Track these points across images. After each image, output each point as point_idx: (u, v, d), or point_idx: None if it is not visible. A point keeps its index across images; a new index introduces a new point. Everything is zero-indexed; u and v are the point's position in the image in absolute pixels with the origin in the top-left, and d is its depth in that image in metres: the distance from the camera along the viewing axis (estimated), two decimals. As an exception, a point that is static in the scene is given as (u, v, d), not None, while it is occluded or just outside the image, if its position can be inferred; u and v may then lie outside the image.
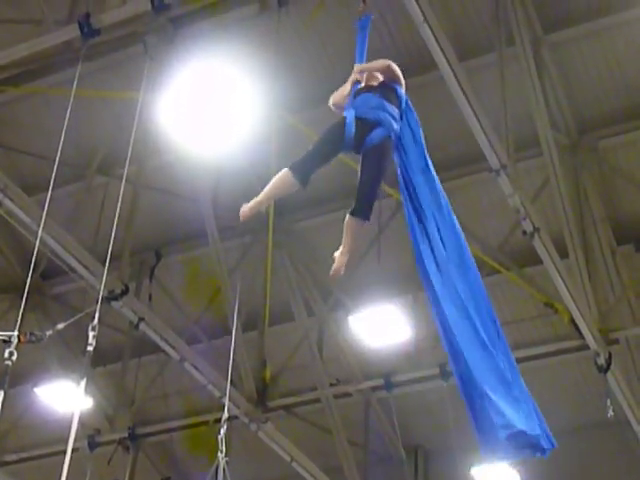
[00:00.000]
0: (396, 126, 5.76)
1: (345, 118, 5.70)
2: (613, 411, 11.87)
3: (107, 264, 8.03)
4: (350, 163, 6.99)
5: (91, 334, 6.14)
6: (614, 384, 12.05)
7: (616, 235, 12.98)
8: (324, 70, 12.32)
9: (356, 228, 5.61)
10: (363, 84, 6.08)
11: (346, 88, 6.19)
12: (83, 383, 6.43)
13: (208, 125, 10.58)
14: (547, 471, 15.10)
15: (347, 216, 5.62)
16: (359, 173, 5.67)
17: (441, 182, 5.88)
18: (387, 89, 5.94)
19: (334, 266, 5.65)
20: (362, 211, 5.57)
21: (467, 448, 14.85)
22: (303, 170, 5.57)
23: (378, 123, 5.68)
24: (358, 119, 5.68)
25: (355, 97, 5.93)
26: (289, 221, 13.76)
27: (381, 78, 6.02)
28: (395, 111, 5.81)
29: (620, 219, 13.28)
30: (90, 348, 6.16)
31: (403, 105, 5.94)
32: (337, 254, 5.66)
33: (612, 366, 11.82)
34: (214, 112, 10.26)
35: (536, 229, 10.59)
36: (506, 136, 10.33)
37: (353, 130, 5.64)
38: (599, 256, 12.53)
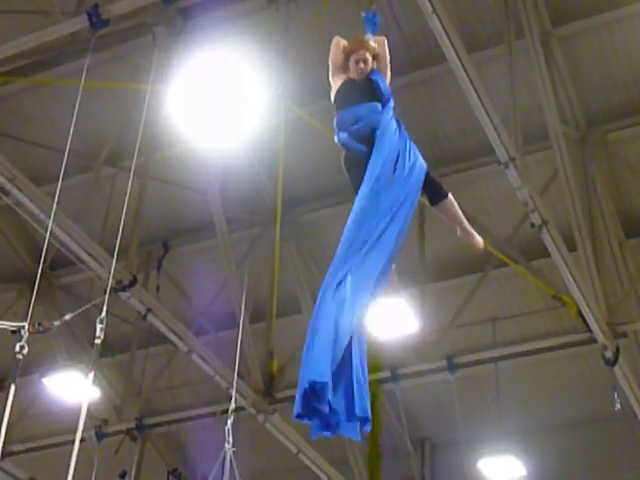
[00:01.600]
0: (381, 116, 5.52)
1: (343, 149, 5.51)
2: (620, 404, 11.88)
3: (115, 255, 8.05)
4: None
5: (99, 327, 6.15)
6: (621, 377, 12.04)
7: (624, 228, 12.96)
8: (332, 62, 12.28)
9: (447, 210, 5.55)
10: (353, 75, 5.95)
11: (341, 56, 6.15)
12: (91, 376, 6.42)
13: (216, 117, 10.57)
14: (553, 464, 15.13)
15: (434, 208, 5.59)
16: None
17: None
18: (366, 82, 5.83)
19: (475, 241, 5.63)
20: (436, 194, 5.52)
21: (474, 441, 14.90)
22: None
23: (372, 128, 5.46)
24: (348, 139, 5.48)
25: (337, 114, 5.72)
26: (297, 213, 13.74)
27: (369, 67, 5.90)
28: (374, 104, 5.60)
29: (628, 212, 13.24)
30: (98, 341, 6.17)
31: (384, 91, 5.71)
32: (462, 234, 5.63)
33: (620, 359, 11.80)
34: (222, 104, 10.25)
35: (544, 222, 10.57)
36: (515, 129, 10.30)
37: (358, 147, 5.42)
38: (607, 249, 12.49)
